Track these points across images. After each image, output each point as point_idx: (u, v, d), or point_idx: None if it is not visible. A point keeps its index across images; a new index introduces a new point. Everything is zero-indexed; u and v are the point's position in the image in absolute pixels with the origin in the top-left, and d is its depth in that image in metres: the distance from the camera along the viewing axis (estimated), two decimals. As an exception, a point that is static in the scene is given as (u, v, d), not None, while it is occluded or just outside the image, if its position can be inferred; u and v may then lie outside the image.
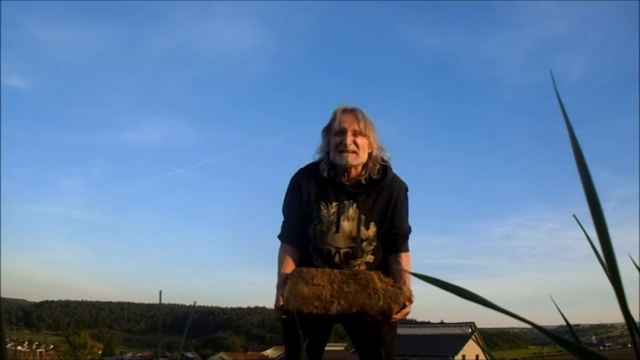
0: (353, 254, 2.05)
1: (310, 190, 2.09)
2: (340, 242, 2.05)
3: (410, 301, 1.90)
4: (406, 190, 2.17)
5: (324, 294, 1.85)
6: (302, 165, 2.21)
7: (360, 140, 2.03)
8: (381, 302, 1.83)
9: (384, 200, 2.07)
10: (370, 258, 2.09)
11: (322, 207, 2.07)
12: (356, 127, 2.03)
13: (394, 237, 2.11)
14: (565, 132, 0.55)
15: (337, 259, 2.05)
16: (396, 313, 1.87)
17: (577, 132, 0.55)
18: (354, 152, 2.01)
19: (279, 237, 2.18)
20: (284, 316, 1.90)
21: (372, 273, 1.92)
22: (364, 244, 2.06)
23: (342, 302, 1.83)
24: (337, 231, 2.03)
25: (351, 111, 2.09)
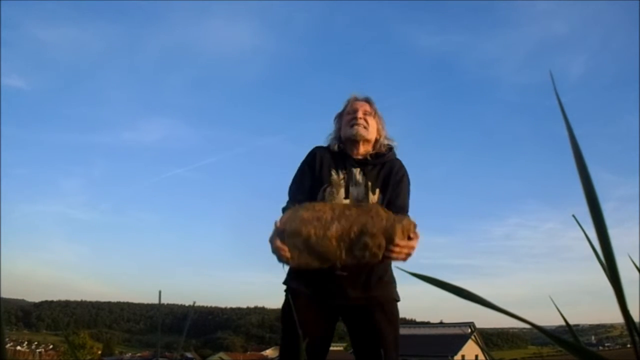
0: None
1: (323, 159, 2.22)
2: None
3: (415, 233, 1.83)
4: (407, 173, 2.26)
5: (325, 216, 1.78)
6: (297, 165, 2.30)
7: (370, 119, 2.23)
8: (384, 222, 1.75)
9: (386, 171, 2.19)
10: None
11: (333, 173, 2.17)
12: (367, 109, 2.25)
13: (392, 208, 2.10)
14: (565, 133, 0.56)
15: None
16: (400, 240, 1.77)
17: (576, 132, 0.55)
18: (364, 126, 2.20)
19: (283, 209, 2.18)
20: (278, 242, 1.79)
21: (376, 204, 1.93)
22: None
23: (343, 222, 1.75)
24: (347, 196, 2.11)
25: (364, 98, 2.30)
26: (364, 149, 2.21)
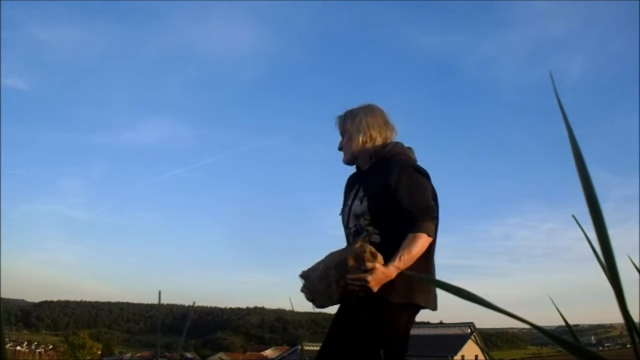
0: (357, 231, 2.12)
1: (347, 184, 2.34)
2: (350, 222, 2.17)
3: (371, 259, 1.84)
4: (412, 167, 2.09)
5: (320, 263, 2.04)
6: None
7: (344, 142, 2.26)
8: (338, 256, 1.93)
9: (380, 175, 2.07)
10: (375, 238, 2.02)
11: (348, 197, 2.25)
12: (340, 131, 2.29)
13: (402, 214, 1.98)
14: (565, 133, 0.56)
15: (350, 238, 2.17)
16: (351, 273, 1.85)
17: (575, 133, 0.55)
18: (343, 152, 2.27)
19: None
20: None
21: (360, 242, 1.96)
22: (361, 219, 2.08)
23: (323, 264, 1.99)
24: (349, 219, 2.19)
25: (337, 122, 2.32)
26: (365, 162, 2.21)
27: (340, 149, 2.26)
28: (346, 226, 2.19)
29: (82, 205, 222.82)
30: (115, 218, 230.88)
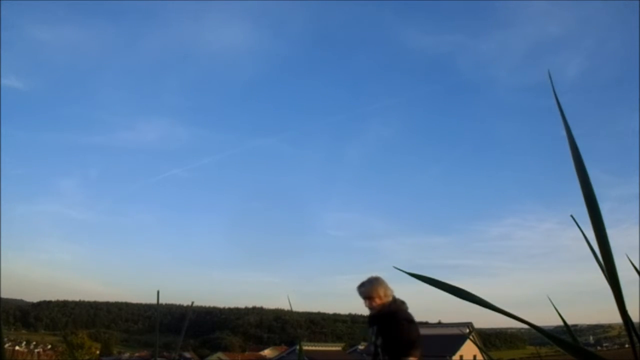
0: (377, 353, 3.09)
1: (369, 320, 3.30)
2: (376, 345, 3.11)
3: None
4: (405, 319, 3.08)
5: None
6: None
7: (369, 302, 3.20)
8: None
9: (386, 324, 3.06)
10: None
11: (371, 329, 3.20)
12: (363, 295, 3.22)
13: (397, 349, 2.95)
14: (563, 133, 0.56)
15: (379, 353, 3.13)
16: None
17: (573, 133, 0.55)
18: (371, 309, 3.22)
19: None
20: None
21: None
22: (379, 348, 3.07)
23: None
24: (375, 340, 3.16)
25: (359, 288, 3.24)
26: (379, 311, 3.14)
27: (370, 307, 3.13)
28: (374, 344, 3.10)
29: (80, 205, 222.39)
30: (114, 218, 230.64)
